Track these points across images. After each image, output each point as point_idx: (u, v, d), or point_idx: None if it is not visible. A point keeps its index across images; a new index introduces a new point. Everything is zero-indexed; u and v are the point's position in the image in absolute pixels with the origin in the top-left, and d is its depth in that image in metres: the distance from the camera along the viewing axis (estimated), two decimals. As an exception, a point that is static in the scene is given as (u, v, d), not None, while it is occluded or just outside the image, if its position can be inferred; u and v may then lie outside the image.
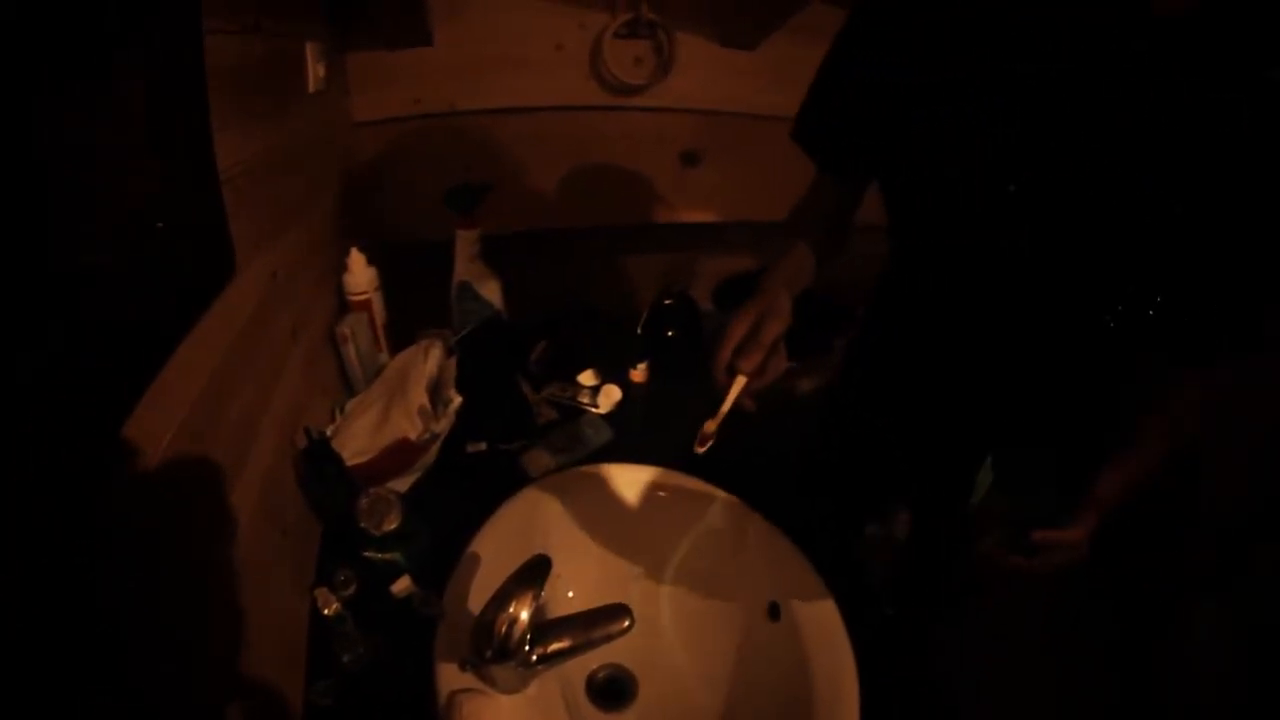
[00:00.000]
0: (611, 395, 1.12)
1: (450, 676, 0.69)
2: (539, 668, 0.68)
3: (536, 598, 0.65)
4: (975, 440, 0.87)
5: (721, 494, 0.94)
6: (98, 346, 0.44)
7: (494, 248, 1.22)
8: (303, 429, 0.81)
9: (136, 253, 0.49)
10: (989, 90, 0.65)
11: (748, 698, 0.80)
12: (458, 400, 1.00)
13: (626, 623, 0.72)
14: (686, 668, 0.85)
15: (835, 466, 1.09)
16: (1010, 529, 0.71)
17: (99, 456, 0.43)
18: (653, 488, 0.96)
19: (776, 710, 0.76)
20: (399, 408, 0.92)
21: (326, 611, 0.73)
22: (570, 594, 0.89)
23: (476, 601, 0.72)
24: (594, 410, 1.11)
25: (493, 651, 0.63)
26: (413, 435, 0.90)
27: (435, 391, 0.99)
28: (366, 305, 1.06)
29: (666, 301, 1.21)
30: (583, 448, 1.01)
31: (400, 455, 0.90)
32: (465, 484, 0.96)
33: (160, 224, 0.52)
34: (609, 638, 0.71)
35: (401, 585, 0.78)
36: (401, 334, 1.13)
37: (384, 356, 1.11)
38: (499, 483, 0.93)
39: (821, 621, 0.80)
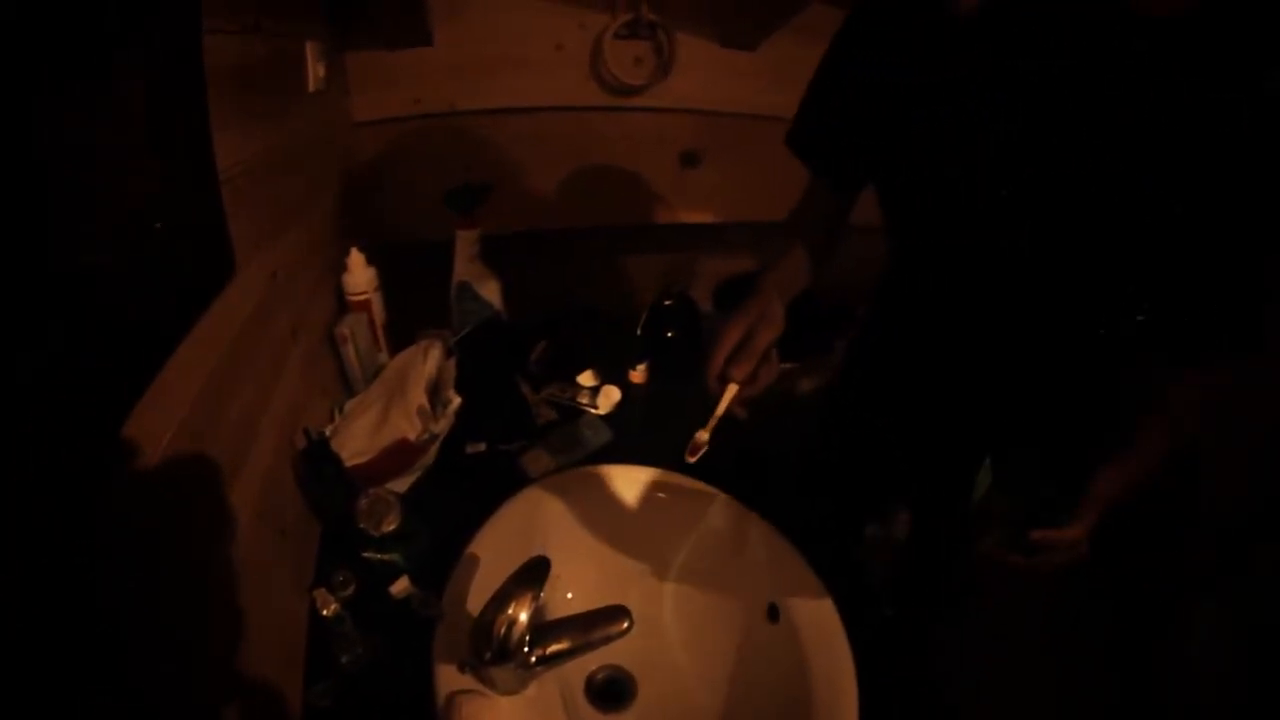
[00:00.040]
0: (611, 396, 1.12)
1: (449, 678, 0.69)
2: (538, 669, 0.68)
3: (536, 599, 0.65)
4: (975, 440, 0.87)
5: (721, 495, 0.94)
6: (98, 346, 0.44)
7: (494, 248, 1.22)
8: (302, 429, 0.81)
9: (136, 253, 0.49)
10: (990, 89, 0.64)
11: (747, 699, 0.80)
12: (457, 401, 1.00)
13: (626, 624, 0.72)
14: (686, 669, 0.85)
15: (835, 467, 1.09)
16: (1010, 529, 0.71)
17: (99, 456, 0.43)
18: (652, 489, 0.96)
19: (775, 711, 0.76)
20: (398, 408, 0.92)
21: (325, 612, 0.73)
22: (569, 595, 0.89)
23: (476, 602, 0.72)
24: (593, 411, 1.11)
25: (492, 653, 0.63)
26: (412, 436, 0.90)
27: (434, 392, 0.99)
28: (366, 305, 1.06)
29: (666, 302, 1.21)
30: (582, 449, 1.01)
31: (399, 456, 0.90)
32: (464, 485, 0.95)
33: (159, 224, 0.52)
34: (608, 639, 0.71)
35: (400, 586, 0.78)
36: (401, 334, 1.13)
37: (383, 357, 1.11)
38: (498, 483, 0.93)
39: (820, 622, 0.80)
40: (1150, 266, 0.65)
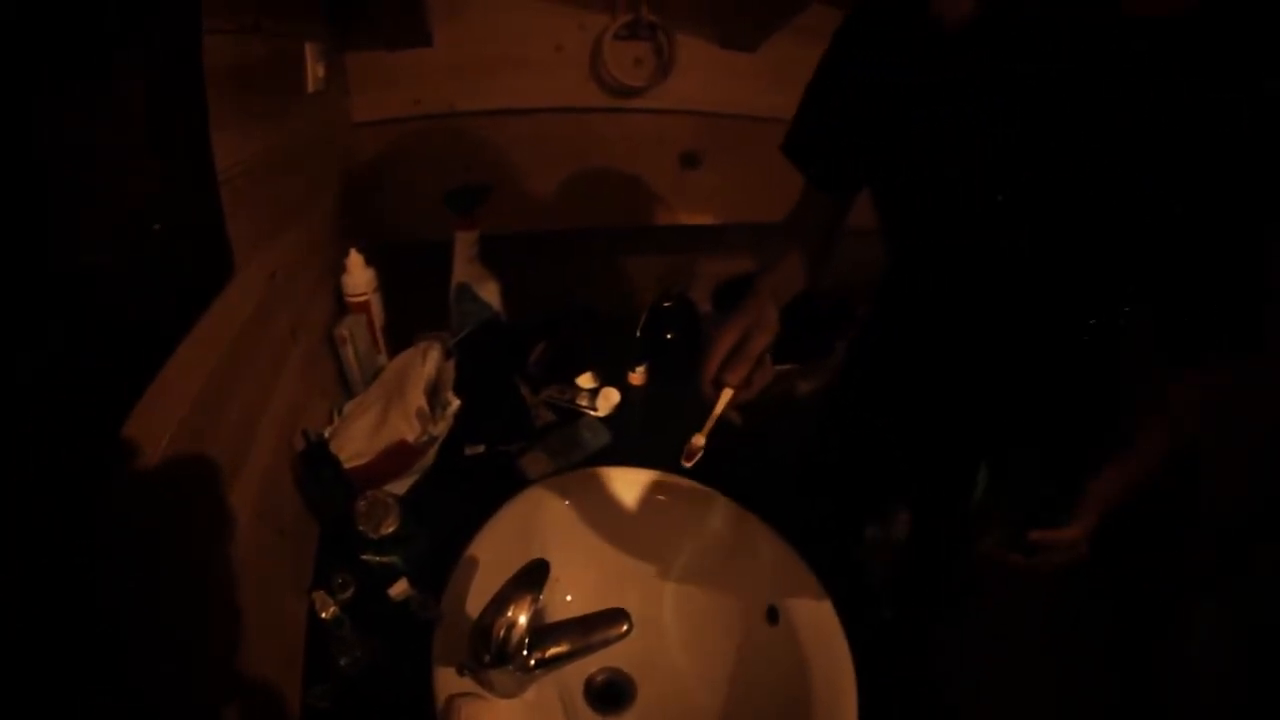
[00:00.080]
0: (610, 398, 1.12)
1: (448, 680, 0.69)
2: (537, 672, 0.68)
3: (535, 602, 0.64)
4: (975, 440, 0.87)
5: (720, 497, 0.94)
6: (98, 346, 0.44)
7: (493, 249, 1.22)
8: (300, 431, 0.81)
9: (135, 253, 0.49)
10: (989, 91, 0.65)
11: (746, 700, 0.80)
12: (455, 403, 1.00)
13: (625, 627, 0.71)
14: (685, 671, 0.85)
15: (835, 467, 1.09)
16: (1009, 528, 0.71)
17: (99, 456, 0.43)
18: (651, 491, 0.95)
19: (775, 713, 0.76)
20: (397, 410, 0.92)
21: (324, 614, 0.73)
22: (568, 597, 0.89)
23: (475, 605, 0.72)
24: (592, 413, 1.11)
25: (491, 656, 0.63)
26: (410, 438, 0.90)
27: (433, 394, 0.99)
28: (365, 307, 1.05)
29: (665, 304, 1.21)
30: (581, 451, 1.01)
31: (398, 458, 0.90)
32: (463, 486, 0.95)
33: (157, 225, 0.51)
34: (607, 642, 0.71)
35: (399, 588, 0.77)
36: (400, 335, 1.13)
37: (382, 358, 1.11)
38: (497, 486, 0.92)
39: (820, 624, 0.79)
40: (1150, 266, 0.65)
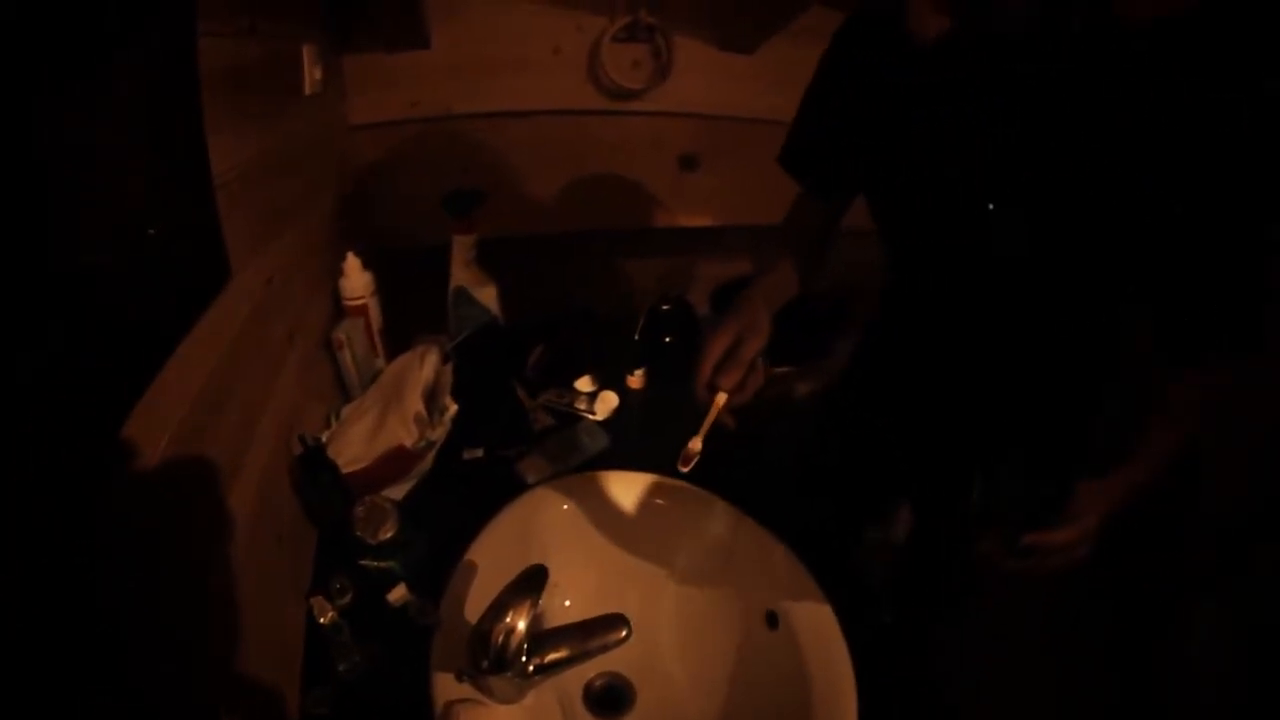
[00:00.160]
0: (608, 401, 1.12)
1: (447, 686, 0.68)
2: (536, 678, 0.68)
3: (533, 608, 0.64)
4: (974, 440, 0.87)
5: (719, 501, 0.93)
6: (98, 346, 0.44)
7: (491, 252, 1.22)
8: (298, 436, 0.81)
9: (134, 254, 0.49)
10: (989, 91, 0.65)
11: (746, 705, 0.80)
12: (453, 408, 1.00)
13: (624, 633, 0.71)
14: (684, 676, 0.85)
15: (834, 469, 1.09)
16: (1005, 529, 0.71)
17: (99, 456, 0.43)
18: (650, 494, 0.95)
19: (775, 718, 0.76)
20: (395, 414, 0.92)
21: (322, 620, 0.73)
22: (567, 602, 0.89)
23: (473, 610, 0.71)
24: (591, 417, 1.11)
25: (489, 662, 0.63)
26: (408, 443, 0.89)
27: (431, 398, 0.99)
28: (363, 310, 1.05)
29: (664, 307, 1.20)
30: (579, 454, 1.01)
31: (396, 463, 0.90)
32: (462, 491, 0.95)
33: (152, 230, 0.51)
34: (606, 648, 0.71)
35: (398, 594, 0.77)
36: (398, 338, 1.13)
37: (380, 362, 1.10)
38: (495, 490, 0.92)
39: (819, 629, 0.79)
40: (1150, 267, 0.65)
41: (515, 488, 0.93)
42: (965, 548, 0.81)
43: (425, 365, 1.01)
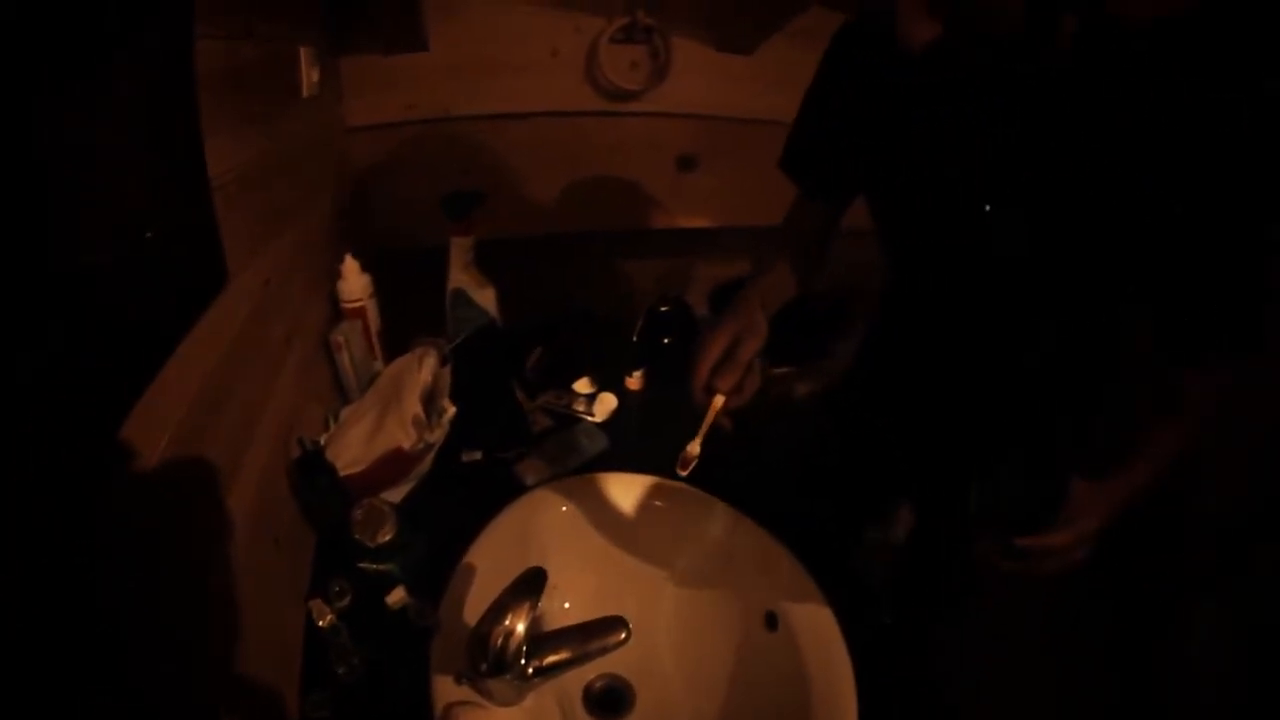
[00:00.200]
0: (607, 403, 1.11)
1: (446, 689, 0.68)
2: (535, 680, 0.68)
3: (532, 610, 0.64)
4: (973, 440, 0.87)
5: (718, 502, 0.93)
6: (97, 346, 0.44)
7: (489, 254, 1.22)
8: (296, 439, 0.81)
9: (132, 256, 0.49)
10: (989, 90, 0.65)
11: (745, 707, 0.80)
12: (452, 410, 0.99)
13: (623, 635, 0.71)
14: (684, 677, 0.85)
15: (835, 469, 1.09)
16: (1001, 531, 0.70)
17: (99, 457, 0.43)
18: (649, 496, 0.95)
19: (774, 719, 0.75)
20: (393, 416, 0.91)
21: (321, 623, 0.73)
22: (566, 604, 0.88)
23: (472, 613, 0.71)
24: (589, 418, 1.11)
25: (488, 665, 0.63)
26: (406, 445, 0.89)
27: (430, 400, 0.99)
28: (361, 312, 1.05)
29: (662, 308, 1.20)
30: (578, 456, 1.01)
31: (394, 465, 0.89)
32: (460, 493, 0.95)
33: (149, 233, 0.51)
34: (605, 650, 0.70)
35: (396, 596, 0.77)
36: (396, 341, 1.12)
37: (378, 364, 1.10)
38: (494, 492, 0.92)
39: (819, 631, 0.79)
40: (1150, 267, 0.65)
41: (514, 490, 0.93)
42: (965, 548, 0.81)
43: (423, 367, 1.01)
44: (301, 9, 0.99)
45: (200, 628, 0.55)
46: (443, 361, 1.07)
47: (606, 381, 1.17)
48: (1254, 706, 1.18)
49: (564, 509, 0.92)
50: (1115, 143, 0.60)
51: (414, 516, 0.83)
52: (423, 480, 0.96)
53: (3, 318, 0.35)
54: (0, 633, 0.33)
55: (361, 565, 0.79)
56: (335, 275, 1.03)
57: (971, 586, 1.00)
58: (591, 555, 0.92)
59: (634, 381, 1.18)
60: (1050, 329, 0.76)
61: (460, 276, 1.19)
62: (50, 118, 0.40)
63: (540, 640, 0.69)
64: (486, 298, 1.21)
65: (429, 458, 0.96)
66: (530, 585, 0.66)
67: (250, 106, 0.77)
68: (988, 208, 0.68)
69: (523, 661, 0.65)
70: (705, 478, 0.86)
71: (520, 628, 0.63)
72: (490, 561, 0.81)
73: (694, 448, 0.73)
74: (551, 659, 0.69)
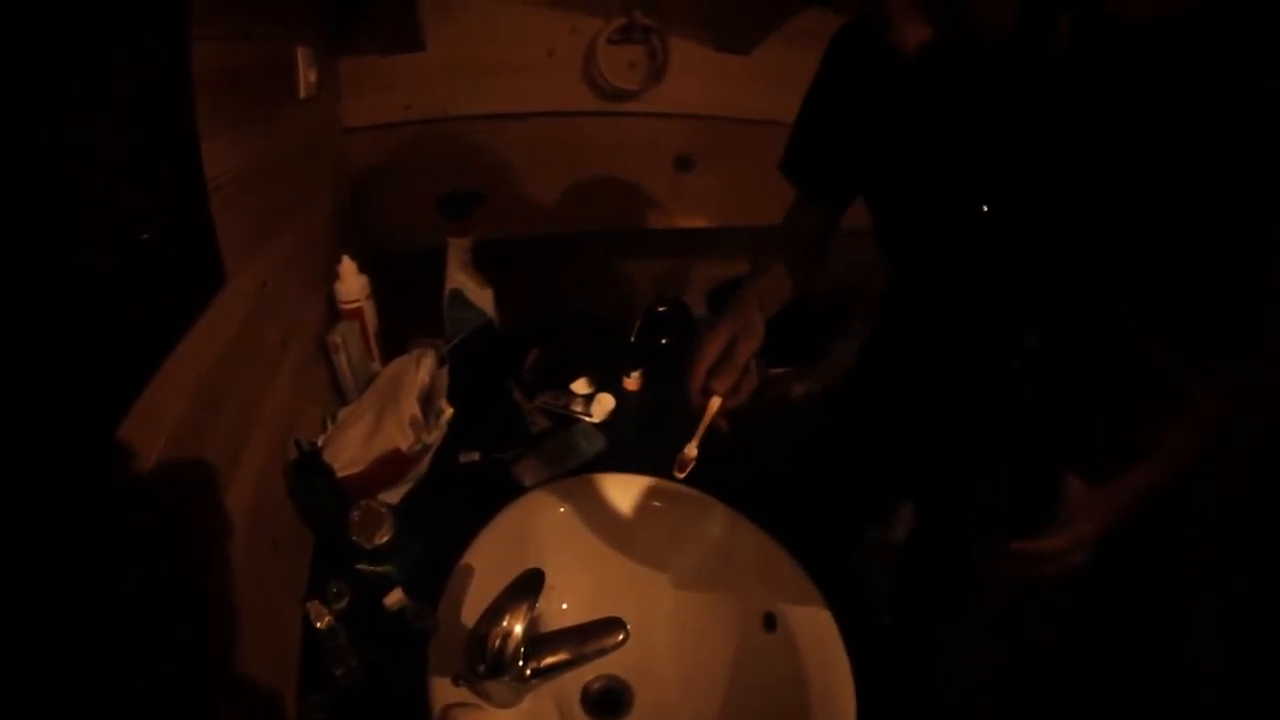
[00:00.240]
0: (605, 404, 1.11)
1: (444, 691, 0.68)
2: (533, 682, 0.67)
3: (530, 611, 0.64)
4: (973, 440, 0.87)
5: (716, 503, 0.93)
6: (96, 347, 0.44)
7: (487, 254, 1.21)
8: (293, 440, 0.80)
9: (129, 257, 0.49)
10: (988, 91, 0.64)
11: (744, 708, 0.80)
12: (449, 412, 0.99)
13: (621, 636, 0.71)
14: (682, 678, 0.85)
15: (835, 469, 1.09)
16: (996, 532, 0.70)
17: (99, 457, 0.43)
18: (647, 497, 0.95)
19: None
20: (391, 417, 0.91)
21: (319, 624, 0.72)
22: (564, 606, 0.88)
23: (470, 614, 0.71)
24: (587, 419, 1.10)
25: (486, 666, 0.63)
26: (404, 446, 0.89)
27: (427, 401, 0.99)
28: (358, 313, 1.05)
29: (660, 309, 1.20)
30: (576, 457, 1.00)
31: (392, 466, 0.89)
32: (458, 494, 0.95)
33: (146, 234, 0.51)
34: (603, 651, 0.70)
35: (394, 598, 0.77)
36: (393, 342, 1.12)
37: (376, 365, 1.10)
38: (492, 493, 0.92)
39: (817, 632, 0.79)
40: (1150, 266, 0.65)
41: (512, 491, 0.93)
42: (965, 548, 0.80)
43: (421, 368, 1.00)
44: (299, 10, 0.99)
45: (200, 628, 0.55)
46: (440, 362, 1.07)
47: (604, 382, 1.16)
48: (1254, 706, 1.18)
49: (562, 510, 0.92)
50: (1115, 143, 0.60)
51: (412, 518, 0.83)
52: (420, 481, 0.95)
53: (3, 318, 0.35)
54: (0, 633, 0.33)
55: (359, 567, 0.79)
56: (333, 276, 1.03)
57: (971, 586, 1.00)
58: (589, 556, 0.91)
59: (632, 382, 1.18)
60: (1050, 329, 0.76)
61: (458, 277, 1.19)
62: (50, 118, 0.40)
63: (538, 642, 0.69)
64: (484, 298, 1.21)
65: (427, 459, 0.96)
66: (528, 586, 0.66)
67: (247, 107, 0.77)
68: (985, 208, 0.68)
69: (521, 663, 0.65)
70: (703, 479, 0.86)
71: (518, 629, 0.63)
72: (488, 563, 0.81)
73: (691, 449, 0.72)
74: (549, 660, 0.68)
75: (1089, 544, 0.66)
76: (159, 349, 0.51)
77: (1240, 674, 1.21)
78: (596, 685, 0.84)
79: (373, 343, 1.09)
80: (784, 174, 0.89)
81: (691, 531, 0.93)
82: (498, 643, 0.62)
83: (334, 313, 1.05)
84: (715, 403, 0.71)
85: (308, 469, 0.81)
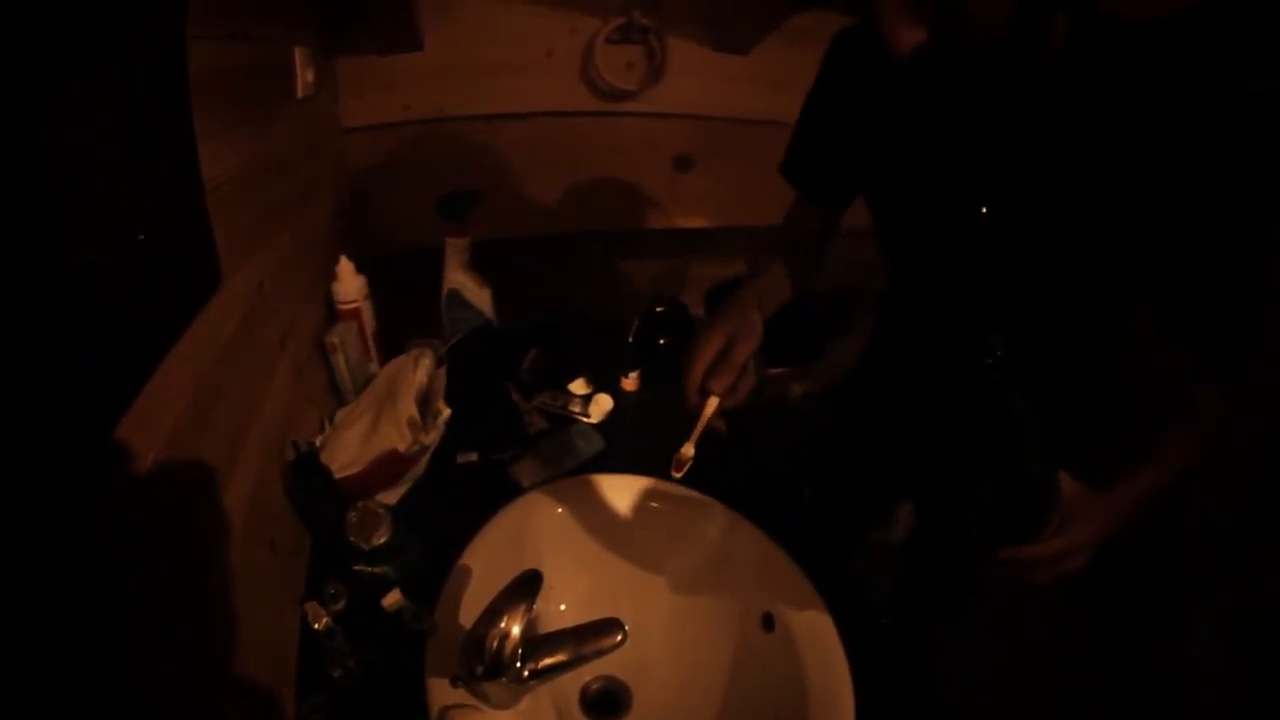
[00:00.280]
0: (603, 404, 1.11)
1: (441, 692, 0.68)
2: (531, 683, 0.67)
3: (528, 612, 0.64)
4: (971, 440, 0.87)
5: (715, 503, 0.93)
6: (95, 347, 0.44)
7: (485, 254, 1.21)
8: (290, 441, 0.80)
9: (130, 256, 0.49)
10: (988, 91, 0.64)
11: (743, 708, 0.80)
12: (446, 412, 0.99)
13: (619, 637, 0.71)
14: (681, 679, 0.85)
15: (835, 469, 1.09)
16: (991, 536, 0.69)
17: (98, 456, 0.43)
18: (645, 498, 0.95)
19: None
20: (388, 418, 0.91)
21: (317, 626, 0.72)
22: (562, 606, 0.88)
23: (468, 615, 0.71)
24: (585, 419, 1.10)
25: (484, 667, 0.63)
26: (402, 447, 0.89)
27: (425, 402, 0.98)
28: (356, 314, 1.05)
29: (658, 309, 1.20)
30: (574, 458, 1.00)
31: (389, 467, 0.89)
32: (456, 495, 0.94)
33: (142, 235, 0.51)
34: (601, 652, 0.70)
35: (392, 599, 0.77)
36: (391, 342, 1.12)
37: (374, 365, 1.10)
38: (490, 494, 0.92)
39: (816, 632, 0.79)
40: (1150, 266, 0.65)
41: (510, 491, 0.93)
42: (965, 548, 0.80)
43: (419, 369, 1.00)
44: (296, 10, 0.98)
45: (200, 628, 0.55)
46: (438, 363, 1.07)
47: (602, 382, 1.16)
48: (1254, 706, 1.18)
49: (560, 511, 0.92)
50: (1114, 143, 0.60)
51: (409, 519, 0.83)
52: (418, 482, 0.95)
53: (4, 317, 0.35)
54: (1, 633, 0.33)
55: (357, 568, 0.79)
56: (330, 277, 1.03)
57: (971, 586, 1.00)
58: (587, 557, 0.91)
59: (630, 382, 1.18)
60: (1049, 330, 0.76)
61: (456, 277, 1.19)
62: (50, 118, 0.40)
63: (536, 643, 0.69)
64: (482, 298, 1.21)
65: (424, 459, 0.96)
66: (526, 587, 0.66)
67: (245, 108, 0.76)
68: (985, 209, 0.68)
69: (518, 664, 0.65)
70: (701, 479, 0.86)
71: (516, 630, 0.63)
72: (486, 564, 0.81)
73: (688, 449, 0.72)
74: (547, 661, 0.68)
75: (1087, 549, 0.64)
76: (157, 349, 0.51)
77: (1240, 674, 1.21)
78: (595, 686, 0.84)
79: (370, 343, 1.09)
80: (784, 177, 0.89)
81: (690, 532, 0.93)
82: (496, 644, 0.62)
83: (332, 313, 1.05)
84: (713, 403, 0.71)
85: (305, 470, 0.81)
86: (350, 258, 1.03)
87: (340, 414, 0.99)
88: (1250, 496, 1.23)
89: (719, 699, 0.81)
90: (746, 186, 1.36)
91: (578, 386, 1.16)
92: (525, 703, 0.70)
